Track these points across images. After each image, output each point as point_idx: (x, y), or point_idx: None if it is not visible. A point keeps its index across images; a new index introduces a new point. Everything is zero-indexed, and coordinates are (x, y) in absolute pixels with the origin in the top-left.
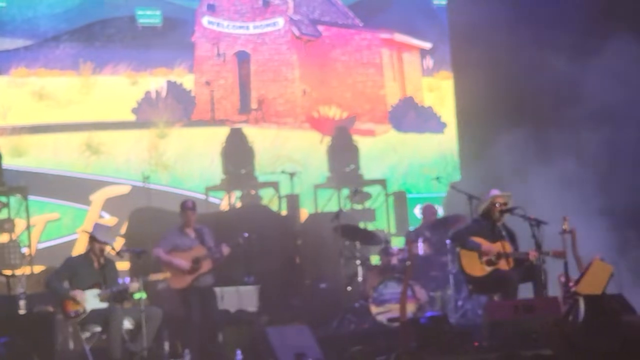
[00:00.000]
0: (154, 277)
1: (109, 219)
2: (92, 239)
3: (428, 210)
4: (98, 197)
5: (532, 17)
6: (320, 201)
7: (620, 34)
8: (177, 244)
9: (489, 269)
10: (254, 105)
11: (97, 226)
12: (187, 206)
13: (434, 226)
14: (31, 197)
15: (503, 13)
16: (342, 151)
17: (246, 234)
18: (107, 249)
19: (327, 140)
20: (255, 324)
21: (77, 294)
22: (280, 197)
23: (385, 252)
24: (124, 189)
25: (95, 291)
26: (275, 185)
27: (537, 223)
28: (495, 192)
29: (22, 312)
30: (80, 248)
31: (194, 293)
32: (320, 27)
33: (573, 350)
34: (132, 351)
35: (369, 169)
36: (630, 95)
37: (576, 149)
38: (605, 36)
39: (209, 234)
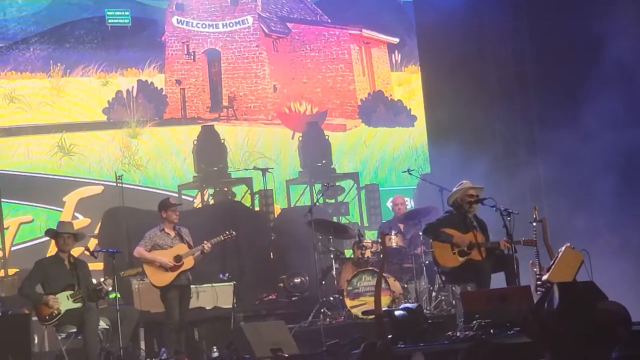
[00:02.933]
0: (127, 273)
1: (82, 220)
2: (54, 234)
3: (396, 201)
4: (71, 198)
5: (497, 10)
6: (293, 196)
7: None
8: (158, 243)
9: (461, 259)
10: (225, 103)
11: (60, 224)
12: (172, 204)
13: (407, 218)
14: (4, 200)
15: (468, 6)
16: (314, 146)
17: (228, 232)
18: (71, 240)
19: (299, 135)
20: (230, 320)
21: (50, 299)
22: (253, 193)
23: (359, 246)
24: (97, 190)
25: (68, 292)
26: (248, 181)
27: (507, 213)
28: (467, 183)
29: None
30: (54, 250)
31: (174, 290)
32: (289, 24)
33: (549, 336)
34: (109, 351)
35: (341, 163)
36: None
37: (542, 142)
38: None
39: (187, 234)
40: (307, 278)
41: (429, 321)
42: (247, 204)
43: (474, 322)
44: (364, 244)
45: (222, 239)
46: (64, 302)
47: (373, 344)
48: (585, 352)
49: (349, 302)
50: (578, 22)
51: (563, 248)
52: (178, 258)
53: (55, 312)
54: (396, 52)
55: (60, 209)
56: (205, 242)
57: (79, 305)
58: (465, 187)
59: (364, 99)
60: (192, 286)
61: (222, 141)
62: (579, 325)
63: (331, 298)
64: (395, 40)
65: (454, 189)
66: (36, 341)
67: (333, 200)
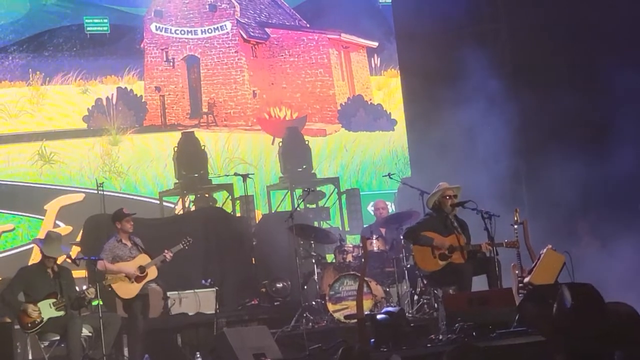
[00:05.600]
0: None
1: (64, 228)
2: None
3: (377, 206)
4: (52, 206)
5: (475, 11)
6: (274, 202)
7: None
8: (118, 254)
9: (442, 263)
10: (204, 109)
11: (48, 234)
12: (126, 214)
13: (388, 222)
14: None
15: (446, 10)
16: (294, 151)
17: (186, 239)
18: (57, 261)
19: (279, 141)
20: (213, 326)
21: (29, 308)
22: (234, 199)
23: (340, 250)
24: (78, 197)
25: (51, 300)
26: (229, 187)
27: (489, 215)
28: (443, 185)
29: None
30: (36, 257)
31: (138, 300)
32: (268, 29)
33: (563, 336)
34: (92, 358)
35: (322, 168)
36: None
37: (523, 143)
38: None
39: (141, 243)
40: (289, 283)
41: (411, 325)
42: (228, 210)
43: (457, 325)
44: (346, 248)
45: (182, 246)
46: (46, 310)
47: (351, 348)
48: (600, 352)
49: (331, 307)
50: (556, 20)
51: (545, 250)
52: (142, 269)
53: (38, 320)
54: (375, 56)
55: (42, 217)
56: (166, 251)
57: (61, 313)
58: (442, 188)
59: (343, 104)
60: (175, 292)
61: (203, 147)
62: (593, 325)
63: (313, 303)
64: (375, 44)
65: (432, 192)
66: (19, 349)
67: (314, 206)
